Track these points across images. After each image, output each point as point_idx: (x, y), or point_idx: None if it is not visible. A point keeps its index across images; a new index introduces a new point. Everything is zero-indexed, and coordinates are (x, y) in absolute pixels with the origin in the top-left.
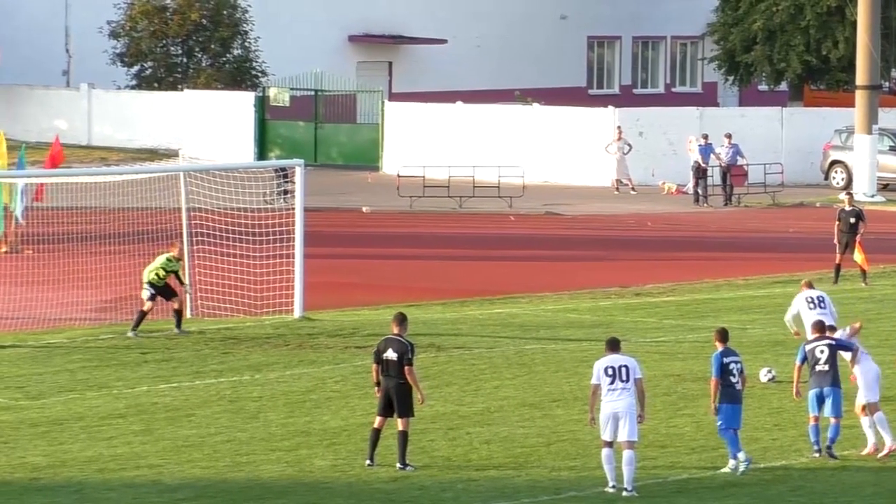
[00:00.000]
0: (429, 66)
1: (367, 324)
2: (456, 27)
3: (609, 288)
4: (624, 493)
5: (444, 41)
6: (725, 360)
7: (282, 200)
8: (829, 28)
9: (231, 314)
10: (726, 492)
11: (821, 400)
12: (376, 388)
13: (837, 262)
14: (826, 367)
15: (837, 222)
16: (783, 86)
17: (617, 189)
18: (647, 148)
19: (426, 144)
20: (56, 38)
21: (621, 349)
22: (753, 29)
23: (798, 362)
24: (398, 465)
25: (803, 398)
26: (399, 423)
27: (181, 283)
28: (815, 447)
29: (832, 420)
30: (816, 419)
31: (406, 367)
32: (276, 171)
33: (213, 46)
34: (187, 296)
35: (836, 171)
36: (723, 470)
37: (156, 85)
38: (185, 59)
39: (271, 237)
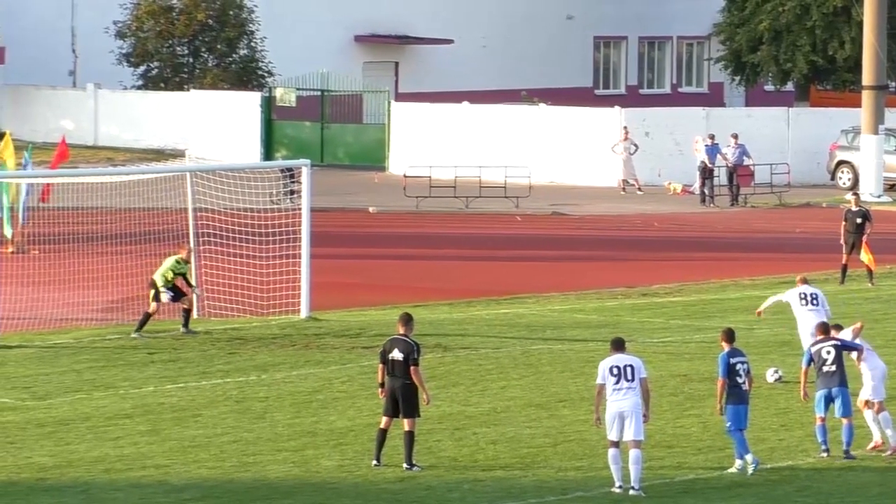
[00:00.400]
0: (435, 66)
1: (374, 324)
2: (462, 27)
3: (615, 288)
4: (631, 492)
5: (450, 41)
6: (732, 360)
7: (288, 201)
8: (836, 28)
9: (237, 314)
10: (733, 492)
11: (829, 401)
12: (380, 390)
13: (844, 262)
14: (833, 368)
15: (844, 222)
16: (789, 86)
17: (623, 189)
18: (653, 148)
19: (432, 144)
20: (62, 39)
21: (626, 349)
22: (760, 29)
23: (804, 365)
24: (405, 465)
25: (811, 398)
26: (405, 424)
27: (189, 285)
28: (823, 446)
29: (844, 421)
30: (823, 419)
31: (412, 368)
32: (282, 171)
33: (219, 47)
34: (195, 296)
35: (842, 172)
36: (730, 470)
37: (162, 85)
38: (191, 60)
39: (278, 237)
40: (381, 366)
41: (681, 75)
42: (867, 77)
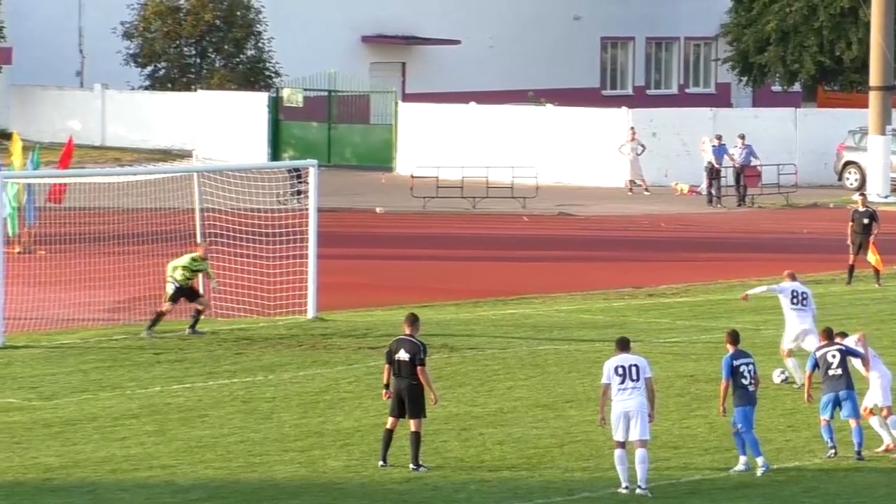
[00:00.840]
0: (442, 66)
1: (381, 324)
2: (469, 28)
3: (622, 289)
4: (637, 491)
5: (457, 42)
6: (736, 362)
7: (295, 201)
8: (843, 29)
9: (244, 315)
10: (739, 493)
11: (836, 404)
12: (384, 391)
13: (851, 262)
14: (839, 371)
15: (851, 223)
16: (797, 87)
17: (630, 190)
18: (660, 149)
19: (439, 145)
20: (70, 39)
21: (631, 348)
22: (767, 30)
23: (808, 370)
24: (411, 465)
25: (815, 400)
26: (411, 424)
27: (209, 277)
28: (830, 443)
29: (852, 423)
30: (828, 420)
31: (419, 368)
32: (289, 171)
33: (226, 47)
34: (213, 288)
35: (849, 172)
36: (733, 469)
37: (169, 85)
38: (198, 60)
39: (285, 238)
40: (386, 366)
41: (688, 76)
42: (874, 78)
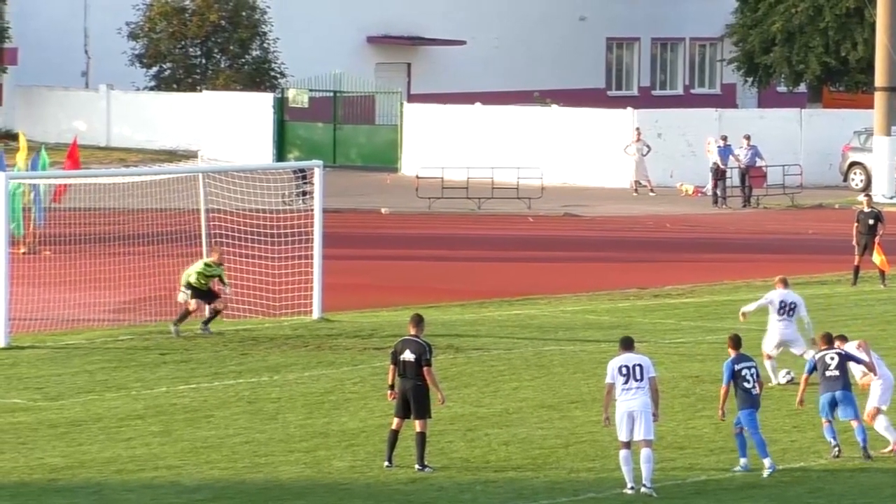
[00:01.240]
0: (447, 67)
1: (386, 325)
2: (474, 28)
3: (627, 289)
4: (642, 490)
5: (462, 42)
6: (737, 366)
7: (301, 202)
8: (848, 30)
9: (249, 315)
10: (744, 493)
11: (833, 404)
12: (389, 392)
13: (856, 263)
14: (837, 373)
15: (856, 224)
16: (802, 87)
17: (636, 190)
18: (665, 149)
19: (445, 146)
20: (75, 40)
21: (635, 348)
22: (772, 30)
23: (806, 373)
24: (416, 466)
25: (807, 404)
26: (416, 425)
27: (223, 283)
28: (834, 442)
29: (854, 423)
30: (829, 422)
31: (425, 368)
32: (294, 172)
33: (231, 48)
34: (226, 295)
35: (854, 173)
36: (735, 469)
37: (174, 86)
38: (203, 61)
39: (290, 238)
40: (391, 367)
41: (693, 76)
42: (880, 78)
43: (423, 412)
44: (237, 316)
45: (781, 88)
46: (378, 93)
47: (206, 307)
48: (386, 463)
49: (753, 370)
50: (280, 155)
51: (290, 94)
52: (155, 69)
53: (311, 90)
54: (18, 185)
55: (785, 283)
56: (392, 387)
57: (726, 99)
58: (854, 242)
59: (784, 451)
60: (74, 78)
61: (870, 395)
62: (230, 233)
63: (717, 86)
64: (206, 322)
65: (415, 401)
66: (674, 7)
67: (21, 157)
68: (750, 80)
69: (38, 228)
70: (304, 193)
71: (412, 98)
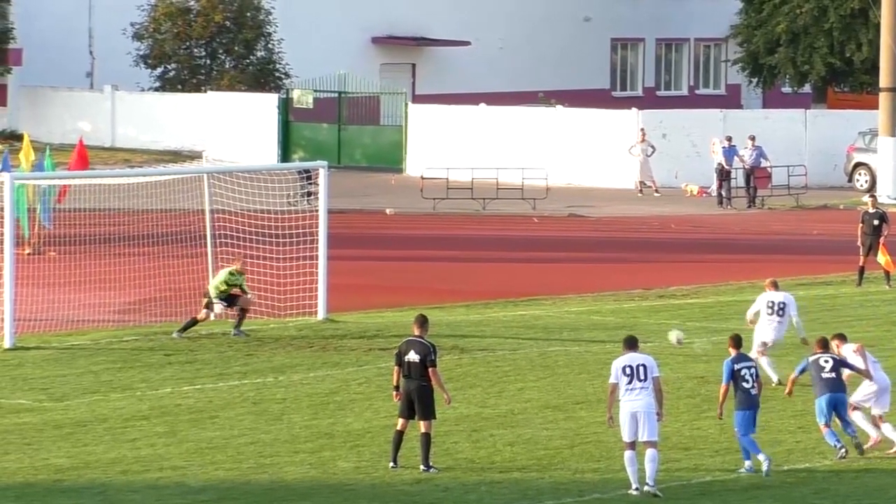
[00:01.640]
0: (452, 67)
1: (391, 326)
2: (479, 29)
3: (632, 290)
4: (646, 488)
5: (467, 43)
6: (737, 366)
7: (305, 202)
8: (853, 30)
9: (254, 316)
10: (750, 494)
11: (831, 404)
12: (395, 393)
13: (861, 264)
14: (833, 375)
15: (861, 224)
16: (807, 88)
17: (640, 191)
18: (670, 150)
19: (449, 146)
20: (80, 40)
21: (639, 347)
22: (777, 31)
23: (796, 373)
24: (421, 467)
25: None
26: (421, 426)
27: (244, 293)
28: (838, 445)
29: (846, 423)
30: (828, 426)
31: (430, 369)
32: (299, 172)
33: (236, 48)
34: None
35: (859, 174)
36: (739, 471)
37: (179, 87)
38: (208, 61)
39: (295, 239)
40: (396, 368)
41: (698, 77)
42: (884, 79)
43: (428, 413)
44: (221, 315)
45: (786, 89)
46: (383, 93)
47: (228, 311)
48: (391, 464)
49: (753, 370)
50: (285, 155)
51: (295, 94)
52: (160, 70)
53: (315, 91)
54: (21, 186)
55: (775, 286)
56: (397, 388)
57: (731, 99)
58: (859, 243)
59: (789, 451)
60: (79, 78)
61: (859, 388)
62: (235, 233)
63: (721, 86)
64: (238, 326)
65: (419, 402)
66: (678, 8)
67: (24, 158)
68: (755, 80)
69: (44, 230)
70: (309, 194)
71: (417, 99)
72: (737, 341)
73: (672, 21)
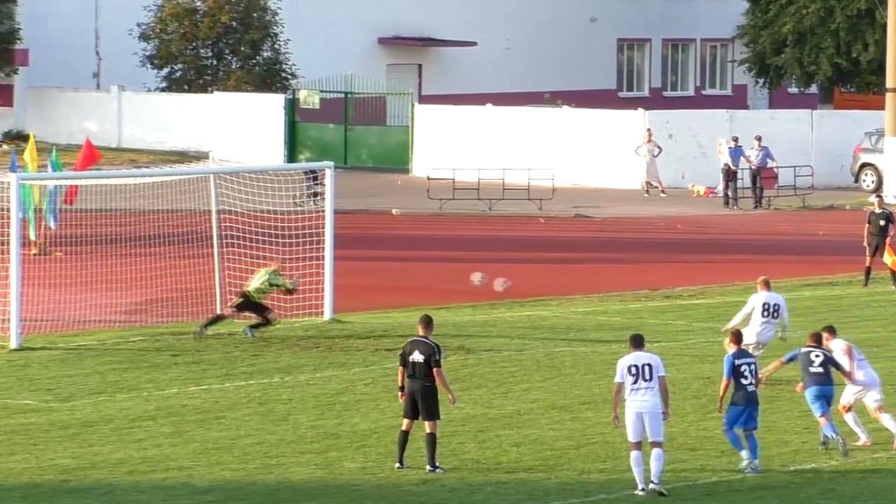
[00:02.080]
0: (458, 68)
1: (397, 326)
2: (485, 29)
3: (639, 290)
4: (651, 486)
5: (473, 43)
6: (738, 361)
7: (312, 203)
8: (859, 30)
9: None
10: (756, 494)
11: (821, 396)
12: (400, 394)
13: (867, 264)
14: (822, 370)
15: (867, 225)
16: (813, 88)
17: (647, 191)
18: (676, 150)
19: (456, 147)
20: (86, 41)
21: (645, 346)
22: (783, 31)
23: (784, 360)
24: (427, 467)
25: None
26: (426, 426)
27: (289, 291)
28: (837, 438)
29: (823, 420)
30: (825, 415)
31: (435, 369)
32: (305, 173)
33: (242, 49)
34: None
35: (866, 174)
36: (745, 471)
37: (186, 87)
38: (214, 62)
39: (301, 239)
40: (400, 368)
41: (704, 77)
42: (891, 79)
43: (432, 413)
44: (248, 317)
45: (793, 89)
46: (389, 94)
47: (253, 315)
48: (397, 464)
49: (753, 367)
50: (291, 156)
51: (302, 95)
52: (166, 70)
53: (322, 91)
54: (27, 186)
55: (767, 286)
56: (402, 388)
57: (737, 100)
58: (865, 243)
59: (795, 452)
60: (85, 79)
61: (846, 388)
62: (241, 234)
63: (728, 87)
64: (254, 326)
65: (423, 402)
66: (685, 8)
67: (29, 158)
68: (761, 81)
69: (49, 230)
70: (316, 194)
71: (423, 99)
72: (738, 337)
73: (678, 21)
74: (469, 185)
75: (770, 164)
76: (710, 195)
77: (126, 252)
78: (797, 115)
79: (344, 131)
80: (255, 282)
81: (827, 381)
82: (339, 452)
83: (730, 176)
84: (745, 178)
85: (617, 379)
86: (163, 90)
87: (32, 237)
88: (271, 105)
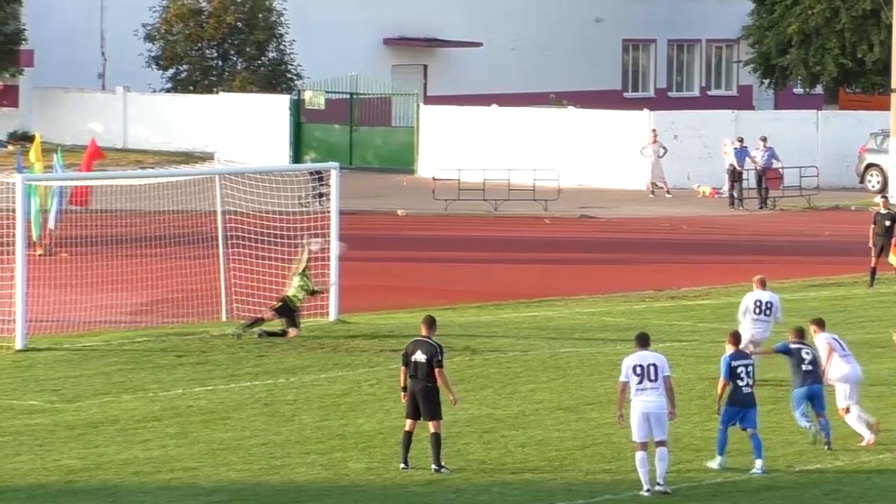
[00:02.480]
0: (464, 69)
1: (403, 327)
2: (491, 30)
3: (644, 291)
4: (656, 488)
5: (479, 44)
6: (734, 363)
7: (317, 203)
8: (865, 31)
9: (266, 317)
10: (761, 495)
11: (810, 396)
12: (402, 394)
13: (873, 265)
14: (811, 367)
15: (873, 225)
16: (818, 89)
17: (652, 192)
18: (682, 151)
19: (461, 147)
20: (91, 42)
21: (650, 345)
22: (789, 32)
23: (774, 348)
24: (433, 466)
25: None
26: (430, 426)
27: (314, 293)
28: (810, 426)
29: (821, 419)
30: (799, 410)
31: (437, 370)
32: (311, 174)
33: (248, 49)
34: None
35: (871, 175)
36: (751, 472)
37: (191, 88)
38: (220, 63)
39: (306, 240)
40: (403, 368)
41: (710, 78)
42: None
43: (434, 413)
44: (253, 318)
45: (798, 90)
46: (394, 94)
47: (285, 323)
48: (402, 465)
49: (750, 368)
50: (296, 157)
51: (307, 95)
52: (171, 71)
53: (327, 92)
54: (34, 186)
55: (763, 284)
56: (405, 388)
57: (743, 100)
58: (870, 244)
59: (800, 452)
60: (91, 80)
61: (836, 393)
62: (247, 234)
63: (733, 87)
64: (269, 332)
65: (424, 402)
66: (690, 9)
67: (35, 159)
68: (766, 81)
69: (51, 230)
70: (321, 195)
71: (428, 100)
72: (736, 338)
73: (684, 22)
74: (474, 186)
75: (775, 164)
76: (716, 196)
77: (131, 253)
78: (802, 115)
79: (349, 132)
80: (291, 289)
81: (817, 379)
82: (345, 453)
83: (735, 176)
84: (750, 179)
85: (622, 378)
86: (168, 91)
87: (35, 237)
88: (276, 106)
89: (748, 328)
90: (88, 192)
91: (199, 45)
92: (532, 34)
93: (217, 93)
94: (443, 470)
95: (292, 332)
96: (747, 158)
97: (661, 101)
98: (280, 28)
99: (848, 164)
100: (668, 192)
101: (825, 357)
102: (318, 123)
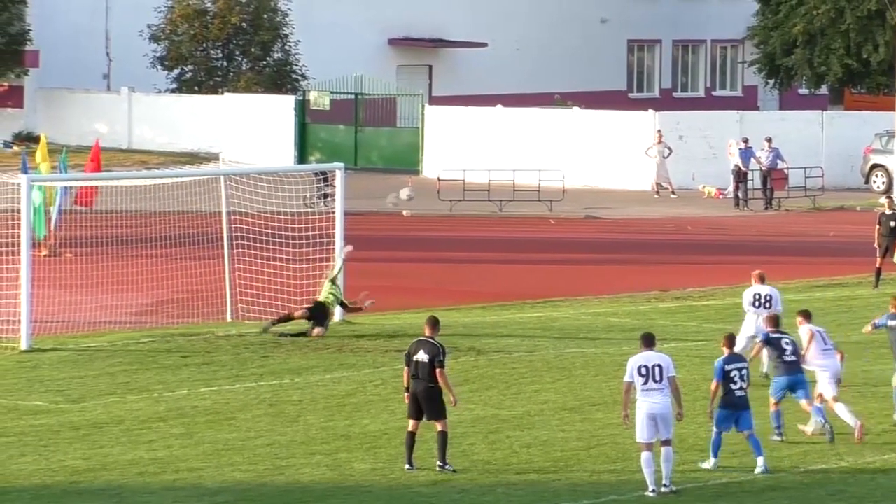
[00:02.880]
0: (469, 69)
1: (407, 327)
2: (496, 30)
3: (649, 292)
4: (662, 489)
5: (484, 45)
6: (728, 366)
7: (322, 204)
8: (870, 32)
9: (271, 317)
10: (766, 496)
11: (792, 386)
12: (406, 394)
13: (878, 265)
14: (794, 358)
15: (878, 226)
16: (823, 89)
17: (657, 193)
18: (687, 151)
19: (466, 148)
20: (96, 42)
21: (656, 345)
22: (794, 32)
23: (759, 340)
24: (438, 463)
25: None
26: (437, 425)
27: (343, 305)
28: (777, 430)
29: (808, 406)
30: (777, 405)
31: (438, 370)
32: (316, 174)
33: (253, 50)
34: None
35: (876, 175)
36: (755, 471)
37: (196, 88)
38: (225, 63)
39: (311, 241)
40: (406, 369)
41: (715, 79)
42: None
43: (438, 413)
44: (258, 318)
45: (803, 90)
46: (399, 95)
47: (311, 324)
48: (406, 465)
49: (744, 371)
50: (301, 157)
51: (312, 96)
52: (176, 71)
53: (332, 92)
54: (41, 187)
55: (762, 280)
56: (408, 388)
57: (748, 101)
58: (875, 245)
59: (805, 453)
60: (96, 80)
61: (819, 382)
62: (252, 235)
63: (738, 88)
64: (293, 334)
65: (427, 403)
66: (695, 9)
67: (41, 159)
68: (771, 82)
69: (53, 230)
70: (326, 196)
71: (433, 100)
72: (730, 341)
73: (689, 22)
74: (479, 187)
75: (780, 165)
76: (721, 196)
77: (136, 253)
78: (807, 116)
79: (354, 132)
80: (322, 294)
81: (798, 369)
82: (350, 454)
83: (740, 177)
84: (755, 180)
85: (626, 378)
86: (173, 91)
87: (39, 238)
88: (282, 106)
89: (749, 324)
90: (94, 193)
91: (204, 45)
92: (537, 34)
93: (222, 93)
94: (447, 468)
95: (317, 331)
96: (752, 159)
97: (665, 102)
98: (285, 28)
99: (853, 165)
100: (672, 192)
101: (805, 343)
102: (323, 124)
